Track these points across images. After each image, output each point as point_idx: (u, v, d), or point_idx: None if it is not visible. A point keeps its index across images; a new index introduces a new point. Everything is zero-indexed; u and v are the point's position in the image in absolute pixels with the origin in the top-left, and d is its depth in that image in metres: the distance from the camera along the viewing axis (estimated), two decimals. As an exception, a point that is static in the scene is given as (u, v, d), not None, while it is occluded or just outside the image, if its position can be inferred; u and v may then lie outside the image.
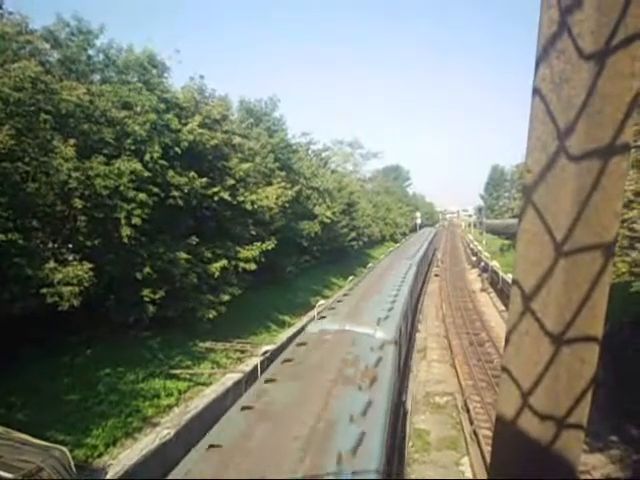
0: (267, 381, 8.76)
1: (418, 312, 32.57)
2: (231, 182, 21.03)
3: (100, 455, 11.61)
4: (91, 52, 18.98)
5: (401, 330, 14.97)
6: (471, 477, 13.54)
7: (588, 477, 12.64)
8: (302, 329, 18.19)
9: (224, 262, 19.62)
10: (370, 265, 37.01)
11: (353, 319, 13.52)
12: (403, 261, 33.02)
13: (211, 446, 6.26)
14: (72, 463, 8.58)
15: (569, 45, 0.96)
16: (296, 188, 29.22)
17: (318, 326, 13.17)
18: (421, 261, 39.16)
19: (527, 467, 1.16)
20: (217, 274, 19.11)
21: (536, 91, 1.04)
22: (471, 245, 76.74)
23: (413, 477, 13.49)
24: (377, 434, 6.92)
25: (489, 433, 14.33)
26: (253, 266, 21.31)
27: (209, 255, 19.48)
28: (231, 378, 16.71)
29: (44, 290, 12.90)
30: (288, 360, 10.03)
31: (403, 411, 15.91)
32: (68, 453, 8.63)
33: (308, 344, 11.28)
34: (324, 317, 14.51)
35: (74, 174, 13.92)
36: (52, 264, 13.30)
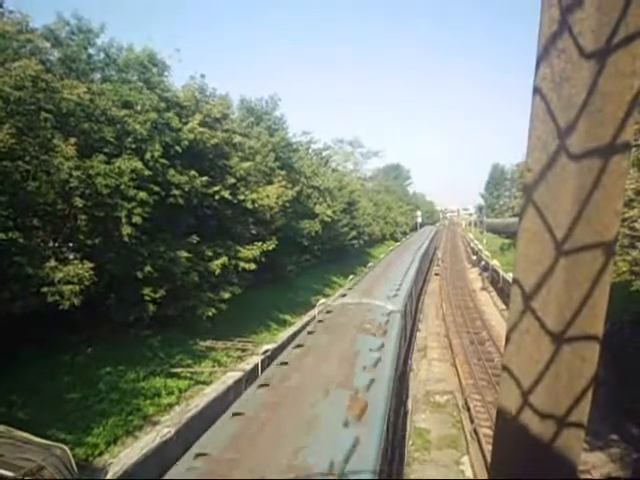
0: (309, 333, 12.20)
1: (418, 311, 32.59)
2: (232, 181, 21.04)
3: (101, 454, 11.63)
4: (92, 51, 18.98)
5: (406, 305, 18.32)
6: (471, 476, 13.55)
7: (588, 476, 12.65)
8: (302, 328, 18.89)
9: (224, 259, 19.63)
10: (370, 264, 37.02)
11: (368, 295, 17.17)
12: (406, 256, 36.58)
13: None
14: (73, 462, 8.60)
15: (570, 44, 0.96)
16: (297, 188, 29.23)
17: (339, 301, 17.01)
18: (423, 256, 42.39)
19: (528, 466, 1.16)
20: (218, 271, 19.12)
21: (536, 90, 1.04)
22: (471, 244, 76.75)
23: (413, 477, 13.50)
24: (389, 358, 10.28)
25: (489, 432, 14.35)
26: (253, 266, 21.31)
27: (210, 254, 19.49)
28: (232, 377, 16.72)
29: (45, 289, 12.91)
30: (320, 321, 13.54)
31: (404, 410, 15.94)
32: (69, 452, 8.65)
33: (334, 311, 14.80)
34: (344, 295, 18.38)
35: (75, 173, 13.92)
36: (53, 263, 13.31)
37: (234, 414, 7.14)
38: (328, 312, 14.91)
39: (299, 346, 10.70)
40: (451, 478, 13.51)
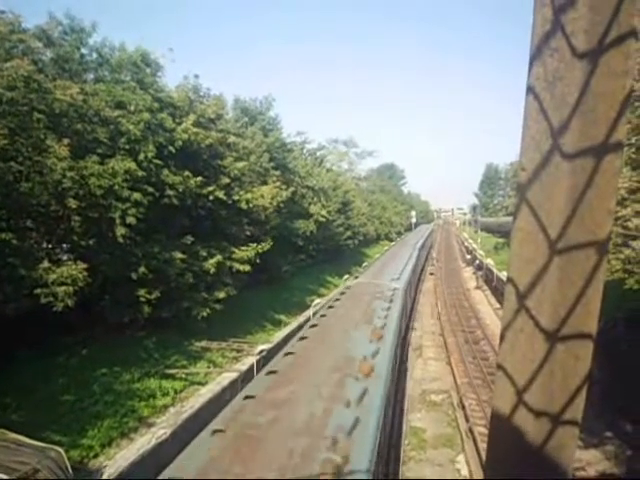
0: (337, 300, 16.31)
1: (414, 310, 32.67)
2: (226, 181, 20.99)
3: (96, 456, 11.57)
4: (84, 51, 18.90)
5: (407, 285, 22.88)
6: (467, 475, 13.59)
7: (583, 473, 12.72)
8: (298, 328, 19.27)
9: (219, 257, 19.59)
10: (365, 264, 37.08)
11: (377, 278, 22.72)
12: (406, 250, 41.68)
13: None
14: (68, 464, 8.56)
15: (563, 44, 0.97)
16: (291, 189, 29.20)
17: (354, 282, 22.44)
18: (420, 251, 47.37)
19: (522, 464, 1.17)
20: (213, 270, 19.08)
21: (530, 90, 1.04)
22: (465, 243, 76.96)
23: (409, 475, 13.53)
24: (395, 312, 14.75)
25: (485, 430, 14.39)
26: (248, 267, 21.28)
27: (204, 254, 19.45)
28: (227, 377, 16.69)
29: (38, 290, 12.84)
30: (343, 293, 17.90)
31: (399, 409, 15.96)
32: (64, 454, 8.61)
33: (352, 288, 19.26)
34: (357, 277, 25.31)
35: (68, 174, 13.85)
36: (46, 264, 13.24)
37: (246, 397, 7.76)
38: (347, 287, 19.67)
39: (323, 316, 13.91)
40: (448, 478, 13.53)
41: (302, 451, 5.77)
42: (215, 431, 6.48)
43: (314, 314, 15.58)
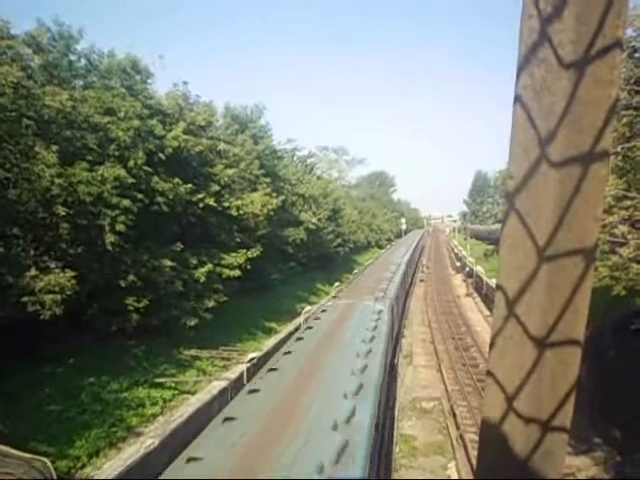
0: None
1: (404, 317, 32.69)
2: (216, 188, 20.97)
3: (83, 466, 11.42)
4: (73, 57, 18.84)
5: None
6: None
7: (572, 479, 12.75)
8: (289, 336, 18.87)
9: (209, 266, 19.51)
10: (356, 271, 37.15)
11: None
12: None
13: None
14: (54, 475, 8.44)
15: (549, 54, 0.98)
16: (282, 196, 29.23)
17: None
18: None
19: (512, 470, 1.17)
20: (203, 279, 18.99)
21: (517, 99, 1.05)
22: (455, 250, 77.33)
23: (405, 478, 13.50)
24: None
25: (476, 437, 14.40)
26: (238, 273, 21.21)
27: (194, 262, 19.37)
28: (217, 386, 16.57)
29: (25, 298, 12.70)
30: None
31: (390, 415, 15.92)
32: (50, 465, 8.48)
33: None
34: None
35: (57, 181, 13.75)
36: (33, 272, 13.11)
37: (270, 369, 8.60)
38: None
39: (309, 328, 13.46)
40: (442, 478, 13.50)
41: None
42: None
43: (305, 320, 15.45)
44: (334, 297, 23.00)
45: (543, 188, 1.03)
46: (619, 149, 13.95)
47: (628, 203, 13.67)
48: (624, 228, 13.57)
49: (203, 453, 5.97)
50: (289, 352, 10.50)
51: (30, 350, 14.34)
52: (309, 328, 13.23)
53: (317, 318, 15.19)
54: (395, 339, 21.88)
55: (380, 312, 15.73)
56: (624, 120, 13.60)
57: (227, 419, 6.82)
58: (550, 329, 1.07)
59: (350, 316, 15.02)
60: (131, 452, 12.07)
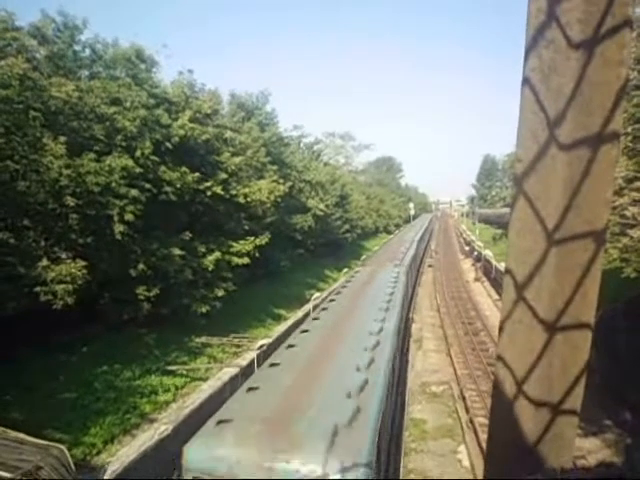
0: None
1: (413, 304, 32.77)
2: (223, 176, 20.96)
3: (99, 453, 11.62)
4: (77, 48, 18.81)
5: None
6: (468, 465, 13.66)
7: (583, 462, 12.80)
8: (298, 323, 19.66)
9: (218, 254, 19.59)
10: (364, 257, 37.20)
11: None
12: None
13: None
14: (71, 461, 8.58)
15: (558, 34, 0.97)
16: (289, 183, 29.19)
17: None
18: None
19: (523, 453, 1.18)
20: (211, 267, 19.08)
21: (526, 81, 1.04)
22: (464, 235, 77.03)
23: (411, 467, 13.60)
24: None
25: (485, 421, 14.45)
26: (246, 260, 21.29)
27: (203, 250, 19.44)
28: (228, 372, 16.72)
29: (37, 289, 12.84)
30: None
31: (401, 400, 16.02)
32: (66, 451, 8.63)
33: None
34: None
35: (65, 172, 13.81)
36: (45, 262, 13.23)
37: (302, 331, 11.03)
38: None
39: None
40: (450, 479, 13.53)
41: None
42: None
43: (314, 307, 15.70)
44: (362, 265, 30.90)
45: (552, 171, 1.02)
46: (629, 130, 13.75)
47: (639, 184, 13.51)
48: (635, 210, 13.43)
49: (232, 415, 6.88)
50: (325, 309, 15.02)
51: (44, 339, 14.54)
52: (348, 282, 20.72)
53: (352, 276, 23.05)
54: (410, 297, 29.20)
55: (398, 272, 23.28)
56: (634, 101, 13.38)
57: (251, 389, 7.83)
58: (560, 313, 1.07)
59: (376, 276, 22.07)
60: (145, 438, 12.25)
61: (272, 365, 9.25)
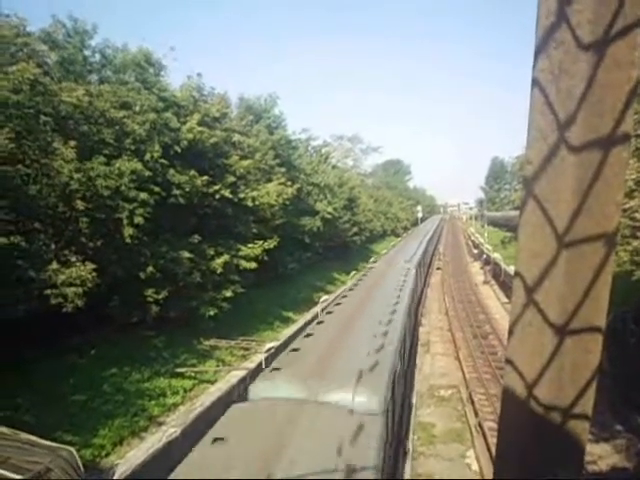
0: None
1: (420, 305, 32.70)
2: (231, 179, 21.05)
3: (107, 455, 11.67)
4: (87, 53, 18.99)
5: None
6: (477, 469, 13.57)
7: (594, 467, 12.67)
8: (306, 325, 19.98)
9: (226, 257, 19.66)
10: (372, 260, 37.21)
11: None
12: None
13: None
14: (80, 463, 8.64)
15: (568, 35, 0.96)
16: (297, 186, 29.25)
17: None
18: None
19: (533, 458, 1.17)
20: (220, 270, 19.15)
21: (535, 82, 1.04)
22: (472, 237, 76.72)
23: (420, 471, 13.53)
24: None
25: (494, 425, 14.36)
26: (254, 265, 21.35)
27: (211, 253, 19.53)
28: (236, 375, 16.76)
29: (48, 291, 12.95)
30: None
31: (408, 403, 15.98)
32: (76, 453, 8.68)
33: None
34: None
35: (75, 175, 13.94)
36: (55, 265, 13.34)
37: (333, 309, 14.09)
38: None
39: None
40: (453, 479, 13.46)
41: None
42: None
43: (267, 359, 16.07)
44: (374, 262, 34.64)
45: (562, 173, 1.02)
46: (640, 132, 13.65)
47: (650, 187, 13.40)
48: (646, 212, 13.32)
49: (280, 365, 9.52)
50: (345, 296, 18.29)
51: (54, 342, 14.66)
52: (364, 276, 24.56)
53: (370, 269, 27.91)
54: (418, 299, 30.80)
55: (409, 268, 25.94)
56: (645, 102, 13.28)
57: (293, 350, 10.65)
58: (570, 316, 1.06)
59: (388, 271, 25.37)
60: (153, 441, 12.29)
61: (307, 336, 12.09)
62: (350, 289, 20.75)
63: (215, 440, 6.78)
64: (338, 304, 17.11)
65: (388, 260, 34.79)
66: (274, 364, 9.77)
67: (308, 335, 12.16)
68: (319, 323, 13.83)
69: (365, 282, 22.40)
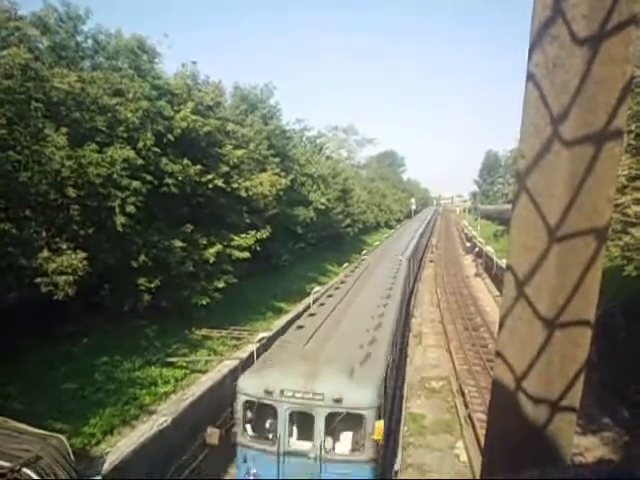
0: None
1: (413, 297, 32.85)
2: (225, 169, 20.93)
3: (98, 443, 11.67)
4: (80, 38, 18.73)
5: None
6: (466, 460, 13.71)
7: (581, 459, 12.84)
8: (298, 316, 19.84)
9: (219, 247, 19.60)
10: (364, 252, 37.27)
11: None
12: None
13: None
14: (70, 451, 8.64)
15: (563, 30, 0.96)
16: (290, 176, 29.15)
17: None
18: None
19: (521, 449, 1.18)
20: (212, 259, 19.10)
21: (530, 77, 1.04)
22: (465, 230, 77.00)
23: (410, 461, 13.66)
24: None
25: (484, 416, 14.50)
26: (247, 255, 21.31)
27: (204, 242, 19.46)
28: (227, 365, 16.78)
29: (38, 280, 12.86)
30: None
31: (399, 394, 16.10)
32: (66, 441, 8.68)
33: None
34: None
35: (67, 163, 13.80)
36: (46, 253, 13.24)
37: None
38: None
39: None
40: (452, 479, 13.55)
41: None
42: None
43: (259, 349, 16.03)
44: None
45: (555, 167, 1.02)
46: (633, 127, 13.70)
47: (641, 183, 13.48)
48: (637, 208, 13.41)
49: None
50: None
51: (45, 330, 14.58)
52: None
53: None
54: (410, 291, 31.00)
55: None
56: (639, 98, 13.31)
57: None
58: (560, 310, 1.07)
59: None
60: (144, 430, 12.31)
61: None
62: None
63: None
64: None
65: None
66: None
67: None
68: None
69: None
